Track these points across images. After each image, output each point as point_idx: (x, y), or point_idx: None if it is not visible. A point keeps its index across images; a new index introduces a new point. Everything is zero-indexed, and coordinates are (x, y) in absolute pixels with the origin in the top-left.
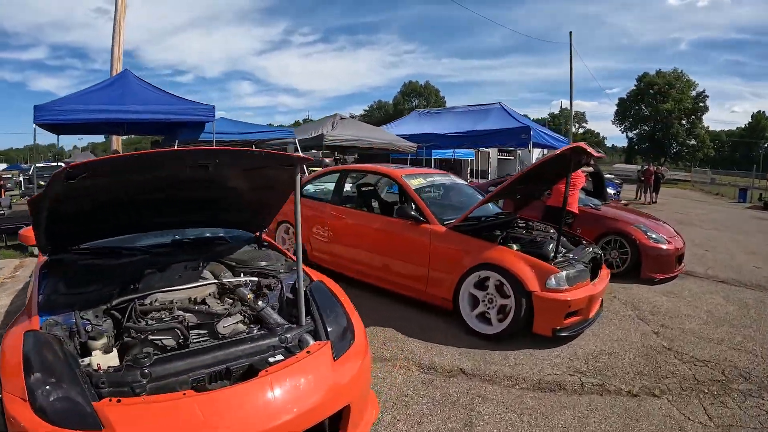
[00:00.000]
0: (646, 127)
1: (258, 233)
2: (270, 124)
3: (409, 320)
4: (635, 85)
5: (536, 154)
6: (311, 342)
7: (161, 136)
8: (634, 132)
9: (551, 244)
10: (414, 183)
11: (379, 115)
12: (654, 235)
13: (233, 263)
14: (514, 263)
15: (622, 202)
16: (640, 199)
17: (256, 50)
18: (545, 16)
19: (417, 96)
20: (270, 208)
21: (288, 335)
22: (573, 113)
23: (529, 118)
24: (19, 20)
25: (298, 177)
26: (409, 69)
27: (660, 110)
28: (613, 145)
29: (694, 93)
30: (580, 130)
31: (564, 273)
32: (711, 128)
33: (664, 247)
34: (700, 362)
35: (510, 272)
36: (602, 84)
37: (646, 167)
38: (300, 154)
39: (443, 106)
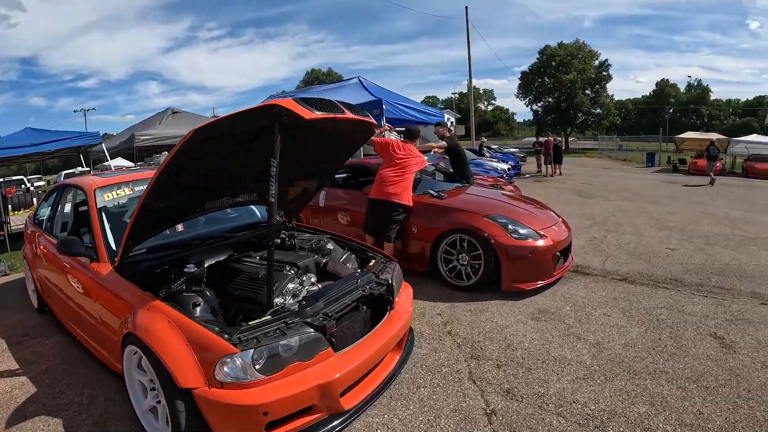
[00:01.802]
0: (551, 99)
1: None
2: None
3: (111, 402)
4: (537, 58)
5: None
6: None
7: None
8: (539, 105)
9: (287, 281)
10: (109, 196)
11: None
12: (520, 230)
13: None
14: (157, 338)
15: (526, 175)
16: (541, 171)
17: (161, 49)
18: None
19: (320, 84)
20: None
21: None
22: (481, 91)
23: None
24: None
25: None
26: (319, 59)
27: (563, 81)
28: (524, 120)
29: (596, 63)
30: (489, 107)
31: (250, 352)
32: (617, 98)
33: (539, 243)
34: None
35: (153, 354)
36: (511, 62)
37: (546, 139)
38: None
39: None
